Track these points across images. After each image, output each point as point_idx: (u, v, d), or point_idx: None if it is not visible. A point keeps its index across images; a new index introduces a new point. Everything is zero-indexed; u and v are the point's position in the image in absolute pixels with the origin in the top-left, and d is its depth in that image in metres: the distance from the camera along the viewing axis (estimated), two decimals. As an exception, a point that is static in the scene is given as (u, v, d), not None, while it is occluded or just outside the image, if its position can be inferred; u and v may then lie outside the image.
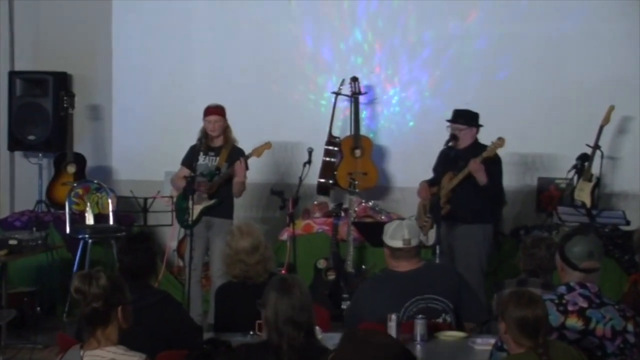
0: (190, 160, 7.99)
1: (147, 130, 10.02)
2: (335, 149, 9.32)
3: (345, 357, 3.34)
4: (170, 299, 5.10)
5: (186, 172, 7.95)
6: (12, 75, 9.97)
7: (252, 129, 8.80)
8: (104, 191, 9.15)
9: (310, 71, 9.85)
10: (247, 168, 7.94)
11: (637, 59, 8.96)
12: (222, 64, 9.95)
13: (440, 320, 5.41)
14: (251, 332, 4.92)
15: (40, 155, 9.96)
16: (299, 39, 9.85)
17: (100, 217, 9.09)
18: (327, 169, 9.28)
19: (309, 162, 8.47)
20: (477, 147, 7.74)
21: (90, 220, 9.05)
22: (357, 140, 9.27)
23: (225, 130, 8.02)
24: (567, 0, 9.27)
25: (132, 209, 9.00)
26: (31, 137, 9.85)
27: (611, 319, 4.33)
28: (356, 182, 8.73)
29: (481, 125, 7.84)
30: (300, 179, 8.40)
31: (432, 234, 7.54)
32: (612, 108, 8.55)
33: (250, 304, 4.58)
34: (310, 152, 8.53)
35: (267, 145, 8.06)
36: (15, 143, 9.97)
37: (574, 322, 4.32)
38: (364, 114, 9.55)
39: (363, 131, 9.40)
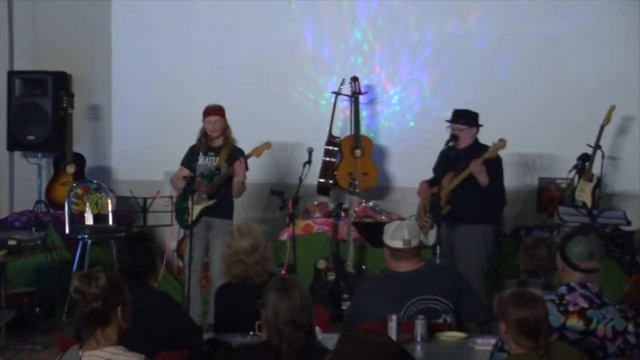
0: (189, 160, 7.98)
1: (147, 130, 10.02)
2: (335, 149, 9.31)
3: (343, 357, 3.36)
4: (170, 300, 5.09)
5: (186, 172, 7.94)
6: (12, 75, 9.98)
7: (251, 129, 8.78)
8: (104, 191, 9.15)
9: (310, 71, 9.85)
10: (246, 168, 7.93)
11: (638, 59, 8.96)
12: (222, 64, 9.94)
13: (440, 320, 5.40)
14: (251, 333, 4.89)
15: (39, 155, 9.96)
16: (299, 38, 9.85)
17: (100, 218, 9.08)
18: (327, 169, 9.28)
19: (309, 162, 8.45)
20: (477, 147, 7.73)
21: (89, 220, 9.04)
22: (357, 140, 9.26)
23: (225, 130, 8.01)
24: (567, 0, 9.26)
25: (132, 209, 9.00)
26: (30, 137, 9.85)
27: (612, 319, 4.32)
28: (356, 182, 8.71)
29: (481, 125, 7.83)
30: (300, 179, 8.39)
31: (432, 234, 7.54)
32: (612, 108, 8.54)
33: (250, 305, 4.58)
34: (310, 152, 8.51)
35: (267, 145, 8.05)
36: (15, 143, 9.98)
37: (574, 322, 4.31)
38: (364, 113, 9.55)
39: (363, 131, 9.39)
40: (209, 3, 10.04)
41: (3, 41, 10.24)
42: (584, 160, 8.54)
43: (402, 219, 6.12)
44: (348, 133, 9.34)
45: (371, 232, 8.13)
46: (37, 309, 8.46)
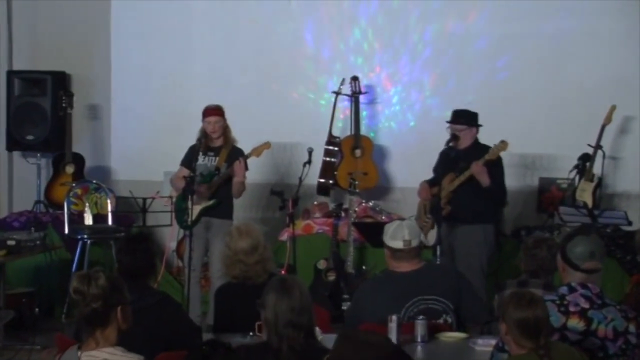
0: (189, 160, 7.97)
1: (146, 130, 10.01)
2: (336, 149, 9.31)
3: (341, 357, 3.35)
4: (170, 300, 5.08)
5: (185, 172, 7.92)
6: (11, 74, 9.96)
7: (251, 129, 8.77)
8: (103, 191, 9.13)
9: (311, 71, 9.84)
10: (246, 168, 7.92)
11: (638, 59, 8.97)
12: (222, 64, 9.94)
13: (441, 321, 5.40)
14: (251, 333, 4.87)
15: (38, 155, 9.94)
16: (299, 38, 9.84)
17: (99, 218, 9.07)
18: (327, 169, 9.27)
19: (309, 162, 8.45)
20: (477, 148, 7.73)
21: (89, 220, 9.02)
22: (357, 140, 9.26)
23: (225, 130, 8.00)
24: (567, 0, 9.27)
25: (131, 210, 9.00)
26: (29, 137, 9.84)
27: (613, 319, 4.31)
28: (356, 182, 8.70)
29: (481, 125, 7.83)
30: (300, 179, 8.38)
31: (432, 234, 7.53)
32: (613, 108, 8.54)
33: (249, 305, 4.57)
34: (310, 152, 8.51)
35: (267, 145, 8.04)
36: (14, 143, 9.96)
37: (575, 323, 4.30)
38: (364, 113, 9.54)
39: (363, 131, 9.39)
40: (209, 3, 10.03)
41: (2, 41, 10.23)
42: (585, 160, 8.54)
43: (403, 219, 6.11)
44: (348, 133, 9.34)
45: (371, 232, 8.11)
46: (36, 310, 8.44)
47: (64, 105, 9.51)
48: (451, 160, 7.69)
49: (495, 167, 7.64)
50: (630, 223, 8.16)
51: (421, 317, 5.16)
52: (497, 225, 8.13)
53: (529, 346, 3.95)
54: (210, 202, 7.91)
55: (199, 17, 10.06)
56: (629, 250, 8.02)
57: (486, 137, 7.81)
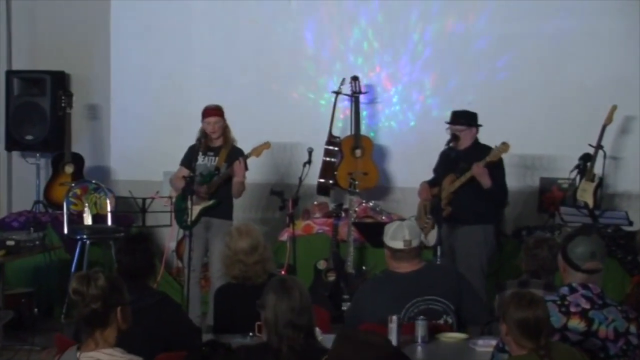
0: (189, 160, 7.95)
1: (146, 130, 10.00)
2: (336, 148, 9.30)
3: (340, 357, 3.33)
4: (169, 300, 5.08)
5: (185, 172, 7.91)
6: (10, 74, 9.95)
7: (251, 129, 8.76)
8: (102, 191, 9.12)
9: (311, 71, 9.83)
10: (246, 168, 7.90)
11: (638, 58, 8.95)
12: (222, 64, 9.93)
13: (441, 321, 5.40)
14: (250, 334, 4.88)
15: (37, 155, 9.93)
16: (299, 38, 9.84)
17: (99, 218, 9.06)
18: (327, 169, 9.26)
19: (309, 162, 8.44)
20: (477, 148, 7.73)
21: (88, 220, 9.01)
22: (357, 140, 9.25)
23: (225, 130, 7.98)
24: (567, 0, 9.26)
25: (131, 210, 8.98)
26: (29, 137, 9.83)
27: (614, 320, 4.31)
28: (356, 182, 8.69)
29: (480, 125, 7.82)
30: (300, 179, 8.37)
31: (433, 235, 7.53)
32: (614, 107, 8.53)
33: (249, 306, 4.57)
34: (310, 152, 8.50)
35: (267, 145, 8.03)
36: (13, 143, 9.95)
37: (576, 323, 4.30)
38: (364, 113, 9.52)
39: (363, 131, 9.38)
40: (209, 3, 10.02)
41: (1, 40, 10.23)
42: (586, 160, 8.54)
43: (403, 219, 6.10)
44: (348, 133, 9.33)
45: (371, 232, 8.11)
46: (36, 310, 8.43)
47: (63, 105, 9.50)
48: (451, 160, 7.68)
49: (497, 169, 7.63)
50: (631, 223, 8.16)
51: (421, 317, 5.16)
52: (497, 226, 8.13)
53: (530, 347, 3.94)
54: (210, 202, 7.89)
55: (199, 17, 10.05)
56: (629, 250, 8.02)
57: (486, 137, 7.80)
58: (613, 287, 7.45)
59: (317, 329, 4.46)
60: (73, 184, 9.24)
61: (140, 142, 9.99)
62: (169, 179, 8.40)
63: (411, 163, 9.20)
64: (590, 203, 8.42)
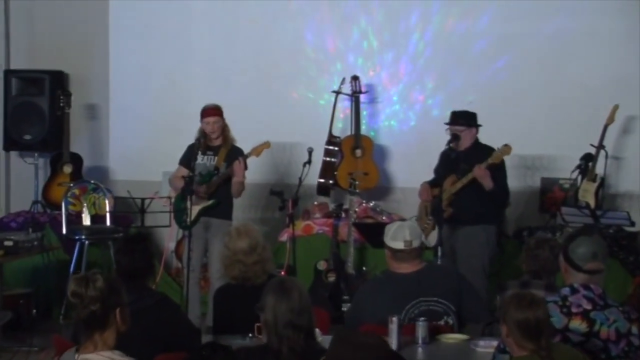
0: (188, 159, 7.94)
1: (145, 129, 9.99)
2: (336, 148, 9.28)
3: (336, 358, 3.33)
4: (168, 301, 5.07)
5: (184, 171, 7.89)
6: (8, 74, 9.93)
7: (251, 129, 8.75)
8: (101, 192, 9.11)
9: (310, 70, 9.83)
10: (246, 168, 7.88)
11: (639, 58, 8.95)
12: (221, 63, 9.92)
13: (442, 322, 5.39)
14: (250, 335, 4.87)
15: (36, 155, 9.90)
16: (299, 38, 9.83)
17: (97, 218, 9.04)
18: (328, 169, 9.24)
19: (309, 162, 8.42)
20: (477, 148, 7.73)
21: (87, 221, 8.99)
22: (357, 139, 9.23)
23: (224, 129, 7.96)
24: (567, 0, 9.25)
25: (130, 210, 8.93)
26: (27, 137, 9.80)
27: (615, 321, 4.30)
28: (357, 183, 8.67)
29: (480, 125, 7.81)
30: (300, 179, 8.35)
31: (433, 235, 7.53)
32: (616, 107, 8.54)
33: (249, 306, 4.56)
34: (310, 152, 8.48)
35: (266, 144, 8.02)
36: (11, 143, 9.93)
37: (577, 324, 4.29)
38: (364, 113, 9.50)
39: (363, 130, 9.37)
40: (208, 2, 10.01)
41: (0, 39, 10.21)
42: (587, 160, 8.55)
43: (403, 220, 6.09)
44: (348, 133, 9.32)
45: (372, 232, 8.08)
46: (34, 311, 8.43)
47: (61, 104, 9.47)
48: (452, 161, 7.66)
49: (498, 170, 7.63)
50: (633, 224, 8.17)
51: (422, 318, 5.15)
52: (499, 226, 8.13)
53: (530, 348, 3.93)
54: (210, 202, 7.88)
55: (199, 17, 10.04)
56: (631, 251, 8.05)
57: (487, 137, 7.81)
58: (615, 288, 7.46)
59: (317, 330, 4.45)
60: (72, 184, 9.23)
61: (139, 142, 9.97)
62: (168, 178, 8.38)
63: (412, 163, 9.20)
64: (592, 203, 8.42)
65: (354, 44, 9.74)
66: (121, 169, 10.08)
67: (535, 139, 9.16)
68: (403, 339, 5.00)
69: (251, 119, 9.32)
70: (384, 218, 8.87)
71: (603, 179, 8.58)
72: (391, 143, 9.64)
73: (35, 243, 7.77)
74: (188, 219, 7.68)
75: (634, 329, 4.30)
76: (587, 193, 8.47)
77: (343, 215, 8.87)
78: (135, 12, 10.05)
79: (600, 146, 8.52)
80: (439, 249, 7.15)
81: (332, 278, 8.58)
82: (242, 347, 4.31)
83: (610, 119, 8.54)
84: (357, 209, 8.77)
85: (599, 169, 8.55)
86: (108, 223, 8.92)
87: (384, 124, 9.69)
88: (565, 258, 4.43)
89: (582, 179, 8.57)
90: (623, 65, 9.02)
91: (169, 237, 8.87)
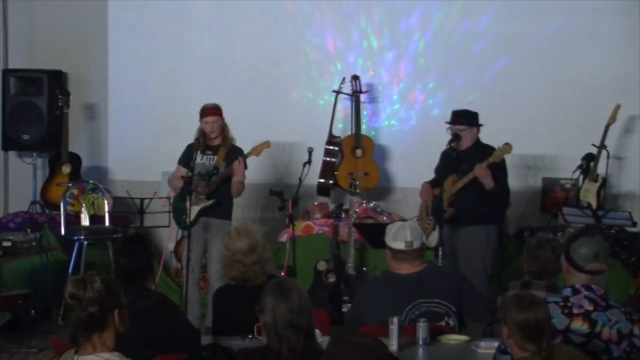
0: (187, 159, 7.92)
1: (144, 129, 9.97)
2: (336, 148, 9.27)
3: (333, 358, 3.34)
4: (167, 302, 5.06)
5: (183, 171, 7.88)
6: (6, 73, 9.91)
7: (251, 129, 8.76)
8: (100, 192, 9.09)
9: (310, 70, 9.82)
10: (245, 167, 7.86)
11: (639, 58, 8.93)
12: (220, 63, 9.91)
13: (442, 323, 5.39)
14: (250, 336, 4.86)
15: (34, 155, 9.88)
16: (299, 38, 9.82)
17: (96, 218, 9.03)
18: (328, 169, 9.23)
19: (309, 162, 8.41)
20: (478, 148, 7.72)
21: (85, 221, 8.97)
22: (358, 139, 9.22)
23: (223, 129, 7.95)
24: (567, 0, 9.24)
25: (129, 210, 8.90)
26: (25, 137, 9.79)
27: (617, 322, 4.29)
28: (357, 183, 8.66)
29: (481, 125, 7.79)
30: (300, 179, 8.34)
31: (434, 236, 7.51)
32: (618, 107, 8.54)
33: (248, 307, 4.53)
34: (310, 152, 8.47)
35: (266, 144, 8.00)
36: (9, 143, 9.92)
37: (579, 325, 4.27)
38: (365, 113, 9.49)
39: (364, 130, 9.35)
40: (208, 2, 10.01)
41: (-2, 39, 10.23)
42: (589, 160, 8.54)
43: (404, 220, 6.08)
44: (348, 132, 9.31)
45: (372, 233, 8.07)
46: (32, 311, 8.42)
47: (60, 104, 9.45)
48: (453, 160, 7.65)
49: (499, 169, 7.63)
50: (634, 224, 8.16)
51: (423, 319, 5.15)
52: (500, 227, 8.12)
53: (531, 349, 3.91)
54: (209, 202, 7.86)
55: (198, 17, 10.03)
56: (633, 251, 8.07)
57: (488, 137, 7.81)
58: (616, 289, 7.46)
59: (317, 331, 4.42)
60: (70, 184, 9.21)
61: (138, 142, 9.96)
62: (167, 178, 8.36)
63: (412, 163, 9.19)
64: (594, 203, 8.42)
65: (354, 44, 9.73)
66: (120, 169, 10.06)
67: (537, 138, 9.16)
68: (403, 339, 4.99)
69: (251, 119, 9.32)
70: (384, 218, 8.86)
71: (605, 179, 8.58)
72: (392, 143, 9.63)
73: (34, 243, 7.77)
74: (187, 219, 7.66)
75: (636, 330, 4.29)
76: (589, 193, 8.47)
77: (343, 215, 8.85)
78: (135, 11, 10.04)
79: (602, 146, 8.51)
80: (440, 249, 7.14)
81: (332, 279, 8.56)
82: (243, 349, 4.30)
83: (612, 119, 8.53)
84: (357, 209, 8.75)
85: (601, 169, 8.55)
86: (107, 223, 8.89)
87: (384, 123, 9.68)
88: (566, 258, 4.41)
89: (584, 179, 8.56)
90: (624, 65, 9.02)
91: (168, 237, 8.83)
